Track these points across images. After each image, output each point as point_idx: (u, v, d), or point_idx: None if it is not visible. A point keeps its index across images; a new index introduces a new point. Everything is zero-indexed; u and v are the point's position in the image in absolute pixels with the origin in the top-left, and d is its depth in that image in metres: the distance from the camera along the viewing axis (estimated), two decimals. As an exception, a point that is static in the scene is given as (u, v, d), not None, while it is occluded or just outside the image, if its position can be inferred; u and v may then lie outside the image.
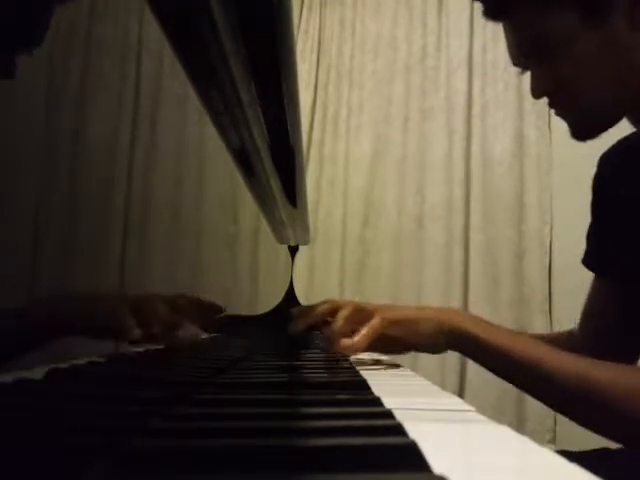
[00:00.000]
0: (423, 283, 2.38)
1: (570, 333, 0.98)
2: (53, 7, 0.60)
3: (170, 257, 2.49)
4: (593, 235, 0.96)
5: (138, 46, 2.62)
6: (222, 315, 0.94)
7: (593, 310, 0.97)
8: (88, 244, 2.52)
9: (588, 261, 0.97)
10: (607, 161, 0.94)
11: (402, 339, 0.77)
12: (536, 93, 0.79)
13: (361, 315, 0.75)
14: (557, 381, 0.65)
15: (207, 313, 0.92)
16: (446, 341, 0.75)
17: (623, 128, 0.84)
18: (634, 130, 0.84)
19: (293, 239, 1.22)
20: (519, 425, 2.20)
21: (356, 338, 0.72)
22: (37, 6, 0.56)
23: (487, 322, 0.75)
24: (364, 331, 0.72)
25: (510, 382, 0.75)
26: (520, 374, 0.70)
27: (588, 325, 0.96)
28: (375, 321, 0.73)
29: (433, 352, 0.80)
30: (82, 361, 0.61)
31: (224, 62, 0.42)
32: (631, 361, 0.89)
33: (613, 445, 0.81)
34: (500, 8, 0.78)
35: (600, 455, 0.82)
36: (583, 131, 0.79)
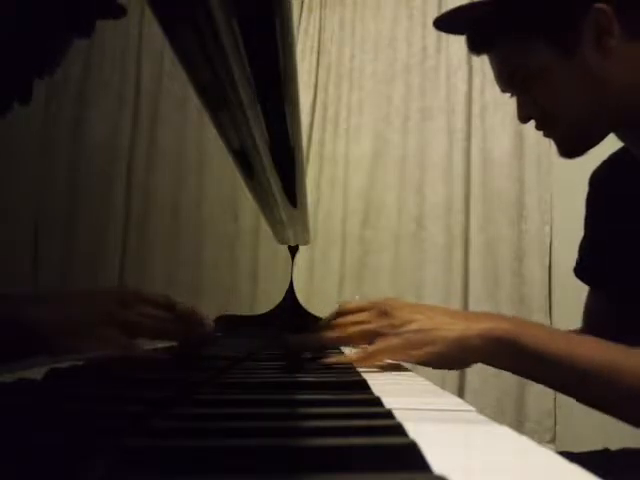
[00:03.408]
0: (423, 283, 2.38)
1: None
2: (69, 40, 0.60)
3: (170, 257, 2.49)
4: (586, 249, 0.99)
5: (138, 46, 2.62)
6: (204, 332, 0.80)
7: (591, 319, 0.99)
8: (88, 244, 2.52)
9: (581, 273, 1.00)
10: (598, 178, 0.97)
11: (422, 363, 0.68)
12: (521, 118, 0.85)
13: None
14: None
15: (190, 326, 0.79)
16: (490, 357, 0.67)
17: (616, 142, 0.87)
18: (622, 145, 0.88)
19: (293, 239, 1.22)
20: (519, 425, 2.20)
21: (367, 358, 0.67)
22: (52, 36, 0.55)
23: (534, 326, 0.69)
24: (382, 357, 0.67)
25: (578, 396, 0.68)
26: (591, 383, 0.64)
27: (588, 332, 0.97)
28: (392, 343, 0.66)
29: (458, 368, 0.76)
30: (82, 361, 0.61)
31: (224, 62, 0.42)
32: None
33: (613, 446, 0.81)
34: (482, 45, 0.86)
35: (600, 455, 0.82)
36: (569, 150, 0.84)
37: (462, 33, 0.87)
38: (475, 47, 0.87)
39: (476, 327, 0.65)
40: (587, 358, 0.63)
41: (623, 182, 0.89)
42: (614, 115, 0.79)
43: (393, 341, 0.67)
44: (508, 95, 0.88)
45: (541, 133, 0.85)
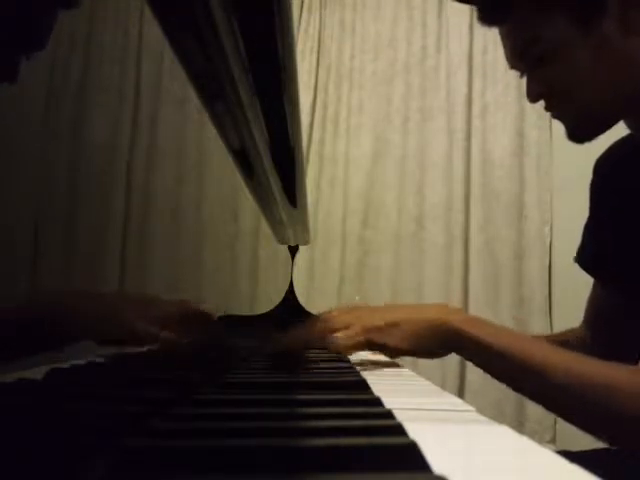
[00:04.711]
0: (423, 283, 2.38)
1: (578, 335, 0.98)
2: (57, 10, 0.59)
3: (170, 257, 2.49)
4: (589, 236, 0.96)
5: (138, 46, 2.62)
6: (213, 323, 0.88)
7: (594, 312, 0.97)
8: (88, 244, 2.52)
9: (582, 260, 0.97)
10: (602, 165, 0.94)
11: (386, 345, 0.73)
12: (531, 97, 0.80)
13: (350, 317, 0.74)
14: (557, 381, 0.63)
15: (195, 321, 0.85)
16: (442, 343, 0.71)
17: (620, 130, 0.84)
18: (629, 132, 0.84)
19: (293, 239, 1.22)
20: (519, 425, 2.20)
21: (332, 340, 0.72)
22: (40, 8, 0.55)
23: (486, 322, 0.72)
24: (340, 335, 0.72)
25: (513, 386, 0.71)
26: (522, 377, 0.67)
27: (590, 326, 0.96)
28: (353, 329, 0.72)
29: (431, 357, 0.77)
30: (82, 361, 0.61)
31: (224, 62, 0.42)
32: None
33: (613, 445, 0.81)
34: (495, 14, 0.79)
35: (600, 455, 0.82)
36: (579, 133, 0.80)
37: (475, 1, 0.81)
38: (487, 17, 0.79)
39: (420, 311, 0.75)
40: (527, 354, 0.66)
41: (628, 169, 0.85)
42: (632, 98, 0.74)
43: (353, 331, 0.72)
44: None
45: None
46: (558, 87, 0.77)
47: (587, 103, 0.76)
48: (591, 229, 0.96)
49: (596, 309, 0.96)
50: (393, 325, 0.72)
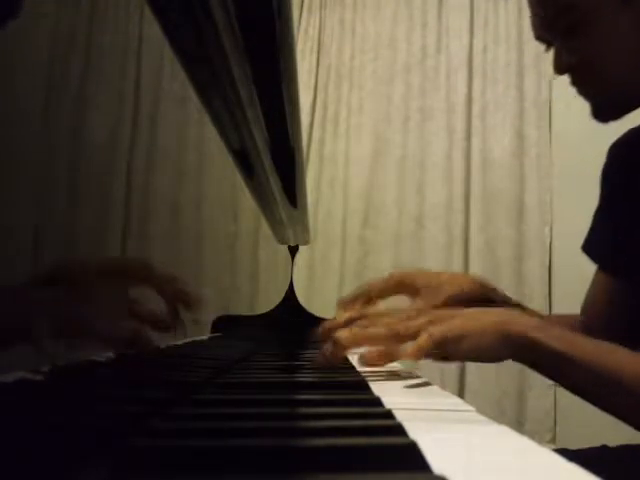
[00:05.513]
0: (423, 283, 2.38)
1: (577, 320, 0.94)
2: None
3: (170, 257, 2.49)
4: (599, 223, 0.92)
5: (138, 46, 2.62)
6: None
7: (595, 303, 0.92)
8: (88, 244, 2.52)
9: (589, 248, 0.93)
10: (617, 150, 0.90)
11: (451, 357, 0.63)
12: (559, 69, 0.75)
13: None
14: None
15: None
16: (510, 354, 0.62)
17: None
18: None
19: (293, 239, 1.22)
20: (519, 425, 2.20)
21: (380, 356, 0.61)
22: None
23: (553, 326, 0.64)
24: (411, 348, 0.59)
25: (594, 400, 0.62)
26: (599, 389, 0.59)
27: (589, 318, 0.93)
28: (422, 339, 0.58)
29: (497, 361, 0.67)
30: (82, 361, 0.61)
31: (224, 62, 0.42)
32: None
33: (613, 440, 0.81)
34: None
35: (600, 452, 0.81)
36: (605, 111, 0.75)
37: None
38: None
39: (486, 319, 0.61)
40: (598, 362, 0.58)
41: None
42: None
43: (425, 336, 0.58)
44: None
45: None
46: (589, 59, 0.72)
47: (618, 78, 0.71)
48: (601, 215, 0.91)
49: (599, 299, 0.91)
50: (458, 338, 0.60)
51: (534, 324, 0.62)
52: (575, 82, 0.75)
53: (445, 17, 2.49)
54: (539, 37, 0.77)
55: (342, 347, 0.61)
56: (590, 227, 0.93)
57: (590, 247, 0.93)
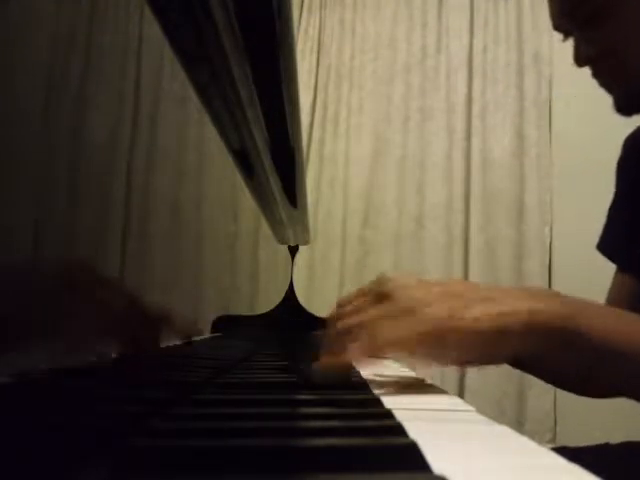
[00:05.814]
0: (423, 283, 2.38)
1: None
2: None
3: (170, 257, 2.49)
4: (613, 220, 0.90)
5: (138, 46, 2.62)
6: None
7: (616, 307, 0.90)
8: (87, 244, 2.52)
9: (604, 247, 0.90)
10: (632, 144, 0.88)
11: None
12: (580, 60, 0.73)
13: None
14: None
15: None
16: (536, 349, 0.47)
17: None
18: None
19: (293, 239, 1.22)
20: (519, 425, 2.20)
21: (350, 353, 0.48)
22: None
23: (594, 307, 0.52)
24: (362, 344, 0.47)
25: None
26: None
27: None
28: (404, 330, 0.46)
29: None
30: (82, 361, 0.61)
31: (224, 62, 0.42)
32: None
33: (613, 440, 0.80)
34: None
35: (600, 450, 0.81)
36: (629, 104, 0.72)
37: None
38: None
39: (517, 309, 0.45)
40: None
41: None
42: None
43: (401, 331, 0.46)
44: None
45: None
46: (612, 50, 0.69)
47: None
48: (617, 210, 0.89)
49: (621, 301, 0.86)
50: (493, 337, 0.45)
51: (564, 312, 0.48)
52: (596, 74, 0.73)
53: (445, 17, 2.49)
54: (557, 27, 0.75)
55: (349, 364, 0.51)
56: (604, 225, 0.90)
57: (606, 245, 0.90)
